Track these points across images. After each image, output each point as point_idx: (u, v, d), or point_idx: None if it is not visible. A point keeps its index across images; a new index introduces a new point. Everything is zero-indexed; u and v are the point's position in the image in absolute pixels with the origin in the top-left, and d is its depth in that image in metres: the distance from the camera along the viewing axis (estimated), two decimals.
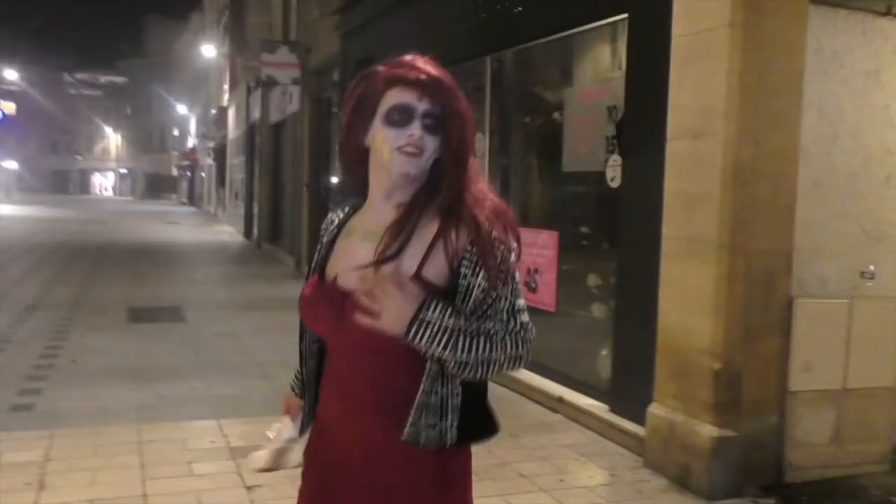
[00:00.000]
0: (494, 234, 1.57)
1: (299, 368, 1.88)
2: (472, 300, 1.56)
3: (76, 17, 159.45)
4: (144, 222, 30.48)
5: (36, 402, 5.58)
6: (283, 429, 1.92)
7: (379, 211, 1.68)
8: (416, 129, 1.60)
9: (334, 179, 13.36)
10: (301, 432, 1.88)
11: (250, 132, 23.35)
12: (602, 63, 6.14)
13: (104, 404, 5.57)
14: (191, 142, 53.95)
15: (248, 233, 23.05)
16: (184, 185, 59.09)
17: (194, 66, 46.27)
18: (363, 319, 1.52)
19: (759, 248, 4.22)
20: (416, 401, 1.56)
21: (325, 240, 1.80)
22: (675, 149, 4.48)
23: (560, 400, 5.57)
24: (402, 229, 1.61)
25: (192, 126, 54.01)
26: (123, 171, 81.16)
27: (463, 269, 1.56)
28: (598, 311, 5.74)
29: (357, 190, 1.77)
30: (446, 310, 1.52)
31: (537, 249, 6.27)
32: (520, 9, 6.42)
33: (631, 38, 5.13)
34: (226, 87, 32.32)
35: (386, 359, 1.60)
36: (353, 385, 1.65)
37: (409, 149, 1.60)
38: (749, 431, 4.23)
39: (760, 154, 4.18)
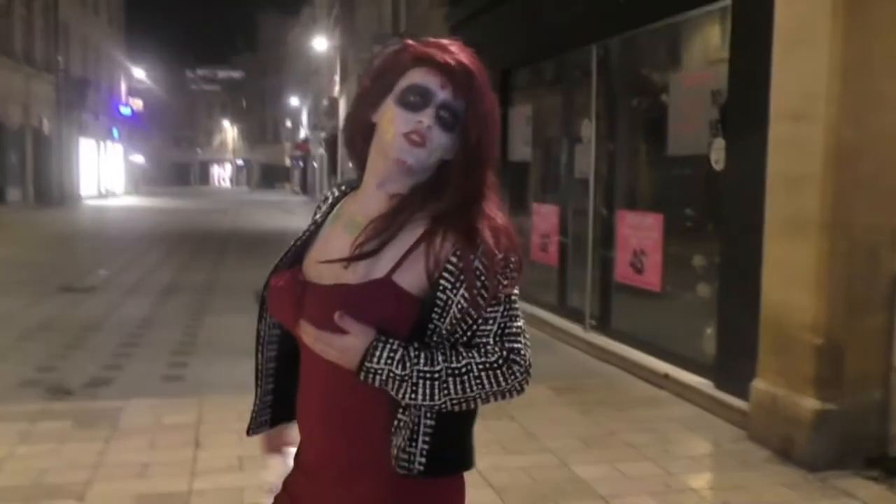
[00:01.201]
0: (486, 248, 1.36)
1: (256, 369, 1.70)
2: (448, 319, 1.37)
3: (194, 16, 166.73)
4: (262, 211, 31.81)
5: (184, 374, 6.22)
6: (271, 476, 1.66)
7: (369, 199, 1.48)
8: (427, 117, 1.40)
9: None
10: (250, 431, 1.69)
11: None
12: (706, 48, 6.26)
13: (243, 377, 6.09)
14: (303, 132, 55.75)
15: None
16: (296, 174, 61.02)
17: (306, 59, 47.78)
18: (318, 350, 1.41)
19: (861, 226, 4.32)
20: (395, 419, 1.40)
21: (311, 222, 1.61)
22: (778, 131, 4.61)
23: (666, 376, 5.77)
24: (388, 225, 1.41)
25: (304, 117, 55.80)
26: (239, 162, 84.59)
27: (443, 283, 1.36)
28: (703, 290, 5.90)
29: (358, 168, 1.58)
30: (394, 356, 1.34)
31: (643, 232, 6.47)
32: None
33: (734, 24, 5.26)
34: (337, 78, 33.36)
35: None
36: (324, 397, 1.48)
37: (414, 136, 1.39)
38: (852, 405, 4.35)
39: (863, 135, 4.28)
